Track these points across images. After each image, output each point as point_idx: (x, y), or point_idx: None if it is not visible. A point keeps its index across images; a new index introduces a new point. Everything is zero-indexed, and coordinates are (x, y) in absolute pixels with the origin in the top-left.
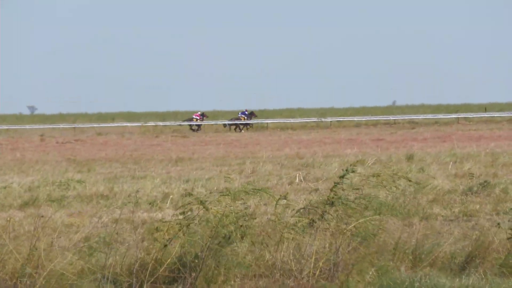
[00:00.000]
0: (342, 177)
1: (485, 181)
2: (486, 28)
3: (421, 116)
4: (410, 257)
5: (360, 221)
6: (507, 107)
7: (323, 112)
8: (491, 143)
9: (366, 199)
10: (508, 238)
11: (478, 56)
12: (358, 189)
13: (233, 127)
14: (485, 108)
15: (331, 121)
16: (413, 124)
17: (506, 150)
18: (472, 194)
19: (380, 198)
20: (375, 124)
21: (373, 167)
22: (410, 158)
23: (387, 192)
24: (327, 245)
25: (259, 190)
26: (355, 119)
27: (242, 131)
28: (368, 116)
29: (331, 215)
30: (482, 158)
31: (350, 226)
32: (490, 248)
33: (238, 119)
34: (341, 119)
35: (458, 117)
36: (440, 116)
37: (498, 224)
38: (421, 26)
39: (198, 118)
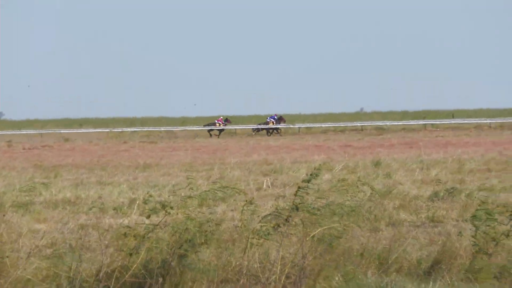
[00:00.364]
0: (306, 181)
1: (452, 187)
2: (454, 33)
3: (389, 123)
4: (377, 263)
5: (326, 226)
6: (474, 113)
7: (291, 119)
8: (458, 149)
9: (332, 204)
10: (472, 245)
11: (445, 62)
12: (323, 198)
13: (263, 131)
14: (452, 114)
15: (299, 127)
16: (381, 130)
17: (473, 156)
18: (438, 200)
19: (347, 204)
20: (343, 130)
21: (340, 173)
22: (377, 164)
23: (354, 198)
24: (293, 250)
25: (226, 187)
26: (323, 125)
27: (271, 135)
28: (336, 122)
29: (297, 221)
30: (449, 165)
31: (316, 231)
32: (456, 254)
33: (267, 123)
34: (309, 125)
35: (425, 124)
36: (408, 122)
37: (460, 232)
38: (387, 31)
39: (221, 123)
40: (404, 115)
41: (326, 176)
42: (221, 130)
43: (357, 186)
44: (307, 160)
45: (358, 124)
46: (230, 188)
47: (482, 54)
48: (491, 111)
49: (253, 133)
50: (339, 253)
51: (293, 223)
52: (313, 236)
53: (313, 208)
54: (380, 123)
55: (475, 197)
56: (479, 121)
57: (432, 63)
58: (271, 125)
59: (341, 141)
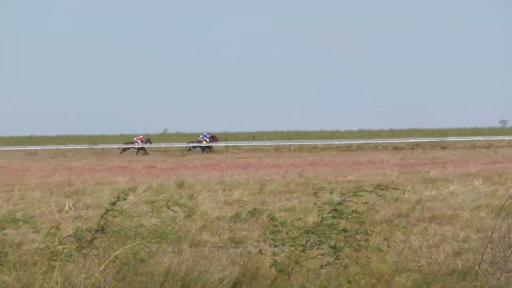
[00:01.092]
0: (113, 203)
1: (253, 208)
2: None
3: (191, 144)
4: (180, 284)
5: (128, 246)
6: (275, 135)
7: (94, 139)
8: (260, 171)
9: (137, 226)
10: (270, 266)
11: (245, 88)
12: (128, 219)
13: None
14: (253, 136)
15: (101, 148)
16: (185, 151)
17: (274, 178)
18: (240, 221)
19: (151, 225)
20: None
21: (144, 194)
22: (181, 185)
23: (158, 219)
24: (96, 272)
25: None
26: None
27: (206, 154)
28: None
29: (99, 242)
30: (250, 186)
31: (117, 252)
32: (258, 274)
33: (200, 142)
34: (113, 146)
35: (227, 145)
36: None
37: (260, 251)
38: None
39: (139, 141)
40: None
41: (131, 197)
42: (140, 149)
43: (168, 207)
44: (110, 181)
45: (162, 146)
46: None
47: (277, 78)
48: (291, 133)
49: (187, 151)
50: (143, 274)
51: (98, 245)
52: (116, 258)
53: (118, 229)
54: (185, 145)
55: (276, 218)
56: (279, 143)
57: (228, 88)
58: (204, 143)
59: (145, 162)
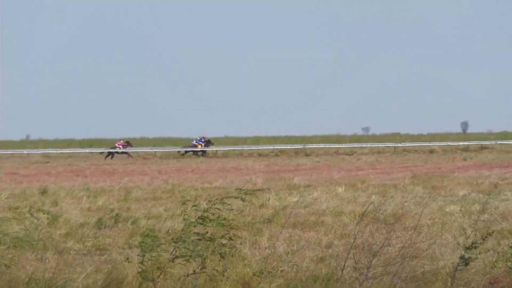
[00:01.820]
0: None
1: (117, 215)
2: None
3: (54, 151)
4: None
5: None
6: (141, 142)
7: None
8: (125, 177)
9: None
10: (138, 272)
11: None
12: None
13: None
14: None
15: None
16: (47, 158)
17: (139, 184)
18: (105, 228)
19: (14, 232)
20: (9, 157)
21: (6, 201)
22: (44, 192)
23: (21, 226)
24: None
25: None
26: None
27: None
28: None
29: None
30: (115, 193)
31: None
32: (123, 281)
33: (194, 146)
34: None
35: (92, 152)
36: (75, 150)
37: (127, 258)
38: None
39: (120, 146)
40: (71, 142)
41: None
42: (124, 153)
43: (31, 214)
44: None
45: (24, 152)
46: None
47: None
48: (157, 140)
49: (181, 155)
50: (5, 282)
51: None
52: None
53: None
54: (47, 151)
55: (142, 225)
56: (147, 150)
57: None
58: (198, 148)
59: (7, 169)
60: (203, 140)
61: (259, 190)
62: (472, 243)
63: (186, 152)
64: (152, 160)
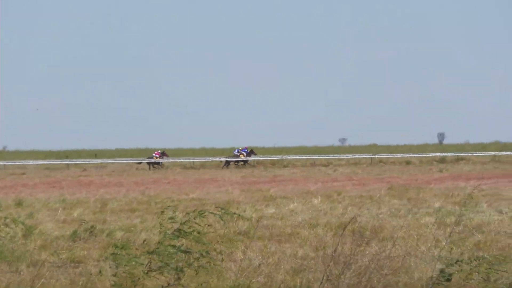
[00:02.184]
0: None
1: (92, 227)
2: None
3: (31, 162)
4: None
5: None
6: (116, 153)
7: None
8: (101, 189)
9: None
10: (112, 286)
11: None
12: None
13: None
14: (95, 154)
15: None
16: (24, 169)
17: (115, 196)
18: (80, 240)
19: None
20: None
21: None
22: (19, 203)
23: None
24: None
25: None
26: None
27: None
28: None
29: None
30: (91, 204)
31: None
32: None
33: (237, 156)
34: None
35: (68, 164)
36: (51, 161)
37: (100, 271)
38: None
39: (157, 156)
40: (48, 154)
41: None
42: (158, 163)
43: (6, 225)
44: None
45: (1, 163)
46: None
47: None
48: (134, 151)
49: (224, 166)
50: None
51: None
52: None
53: None
54: (23, 162)
55: (118, 237)
56: (122, 161)
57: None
58: (241, 158)
59: None
60: (246, 150)
61: (237, 214)
62: (457, 261)
63: (227, 162)
64: (129, 172)
